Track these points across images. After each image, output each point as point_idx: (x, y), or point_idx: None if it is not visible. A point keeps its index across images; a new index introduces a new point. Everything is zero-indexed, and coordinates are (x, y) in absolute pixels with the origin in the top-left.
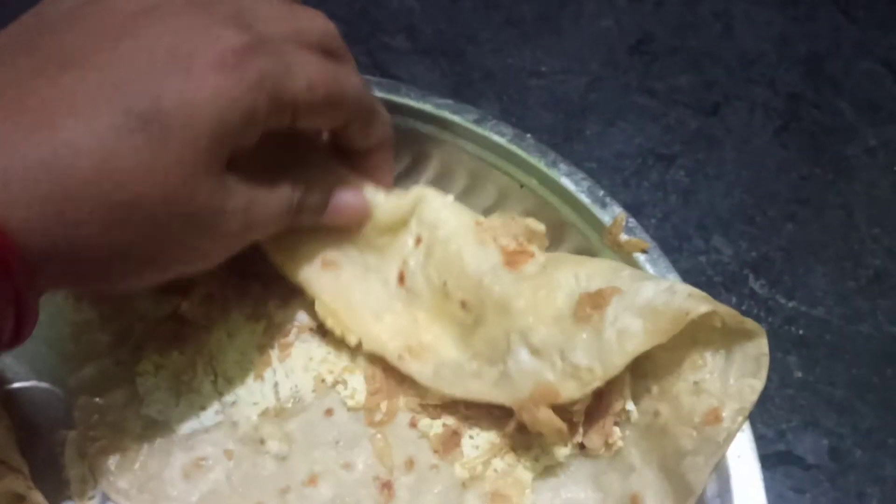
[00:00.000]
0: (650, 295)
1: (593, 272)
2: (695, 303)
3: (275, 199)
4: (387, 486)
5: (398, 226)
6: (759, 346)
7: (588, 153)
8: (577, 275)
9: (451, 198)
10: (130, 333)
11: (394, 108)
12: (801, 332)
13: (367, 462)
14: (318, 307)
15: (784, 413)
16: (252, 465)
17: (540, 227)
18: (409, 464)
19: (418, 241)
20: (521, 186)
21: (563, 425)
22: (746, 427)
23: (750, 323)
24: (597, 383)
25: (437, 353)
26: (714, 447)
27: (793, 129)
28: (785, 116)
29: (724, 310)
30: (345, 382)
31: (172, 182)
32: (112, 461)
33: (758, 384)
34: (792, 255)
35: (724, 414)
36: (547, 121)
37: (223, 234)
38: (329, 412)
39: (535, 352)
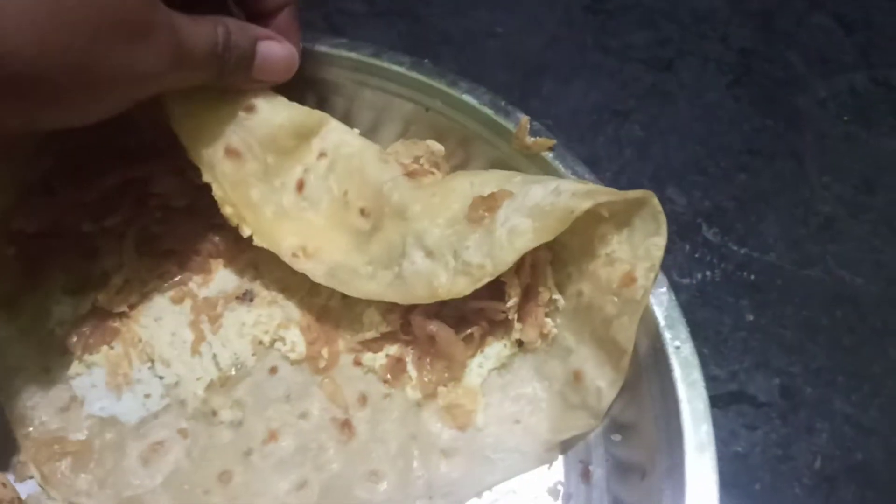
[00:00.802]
0: (538, 197)
1: (487, 179)
2: (578, 201)
3: (202, 32)
4: (345, 425)
5: (303, 136)
6: (653, 208)
7: (545, 110)
8: (472, 182)
9: (356, 131)
10: (52, 340)
11: None
12: (752, 277)
13: (322, 407)
14: (216, 191)
15: (736, 355)
16: (209, 438)
17: (439, 147)
18: (362, 399)
19: (321, 154)
20: (427, 110)
21: (450, 331)
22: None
23: (635, 192)
24: (487, 279)
25: (332, 256)
26: (634, 305)
27: (744, 82)
28: (737, 70)
29: (606, 198)
30: (282, 339)
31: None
32: (65, 466)
33: (661, 240)
34: (744, 203)
35: (637, 274)
36: (504, 80)
37: (157, 50)
38: (273, 370)
39: (428, 253)
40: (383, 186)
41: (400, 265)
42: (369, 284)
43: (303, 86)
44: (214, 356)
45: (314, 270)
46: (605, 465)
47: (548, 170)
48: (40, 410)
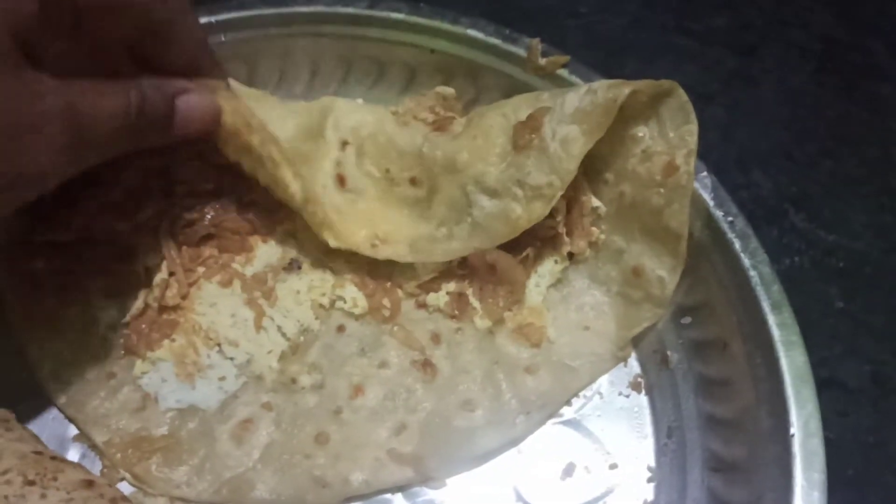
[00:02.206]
0: (576, 102)
1: (518, 105)
2: (616, 90)
3: (107, 103)
4: (426, 364)
5: (315, 133)
6: (679, 97)
7: None
8: (504, 114)
9: (359, 101)
10: (108, 345)
11: (284, 20)
12: (841, 264)
13: (398, 353)
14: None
15: (826, 341)
16: (294, 405)
17: (450, 91)
18: (435, 338)
19: (344, 144)
20: (432, 52)
21: (508, 256)
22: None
23: (663, 83)
24: (559, 193)
25: (405, 232)
26: (681, 191)
27: (828, 69)
28: (820, 57)
29: (641, 84)
30: (341, 297)
31: None
32: (156, 462)
33: (693, 127)
34: (830, 189)
35: (678, 162)
36: (585, 58)
37: (48, 143)
38: (341, 329)
39: (493, 193)
40: (422, 150)
41: (471, 214)
42: (452, 244)
43: (299, 49)
44: (279, 328)
45: (397, 253)
46: (680, 348)
47: (565, 86)
48: (115, 416)
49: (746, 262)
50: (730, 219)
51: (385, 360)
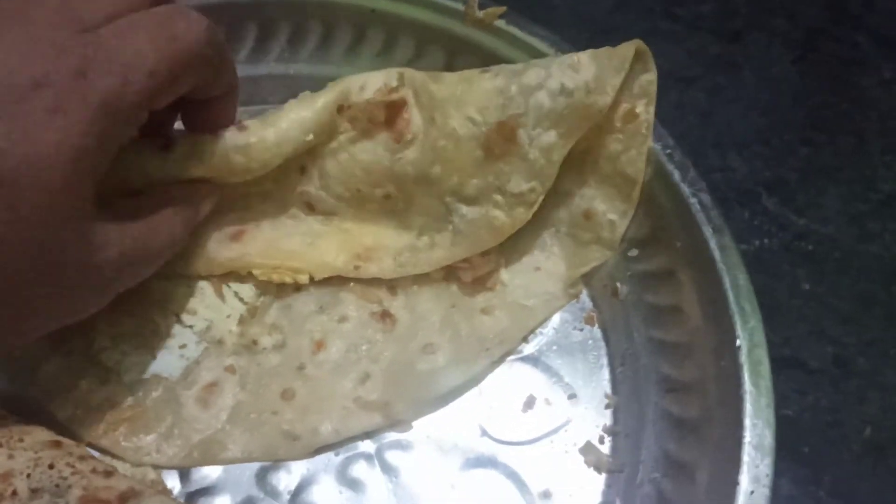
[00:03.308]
0: (547, 103)
1: (481, 105)
2: (595, 97)
3: (158, 241)
4: (385, 315)
5: (271, 167)
6: (635, 46)
7: None
8: (469, 117)
9: (298, 114)
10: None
11: None
12: (810, 247)
13: (357, 307)
14: (259, 275)
15: (791, 321)
16: (257, 366)
17: (388, 82)
18: (392, 290)
19: (302, 170)
20: (372, 11)
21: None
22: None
23: (628, 47)
24: (541, 197)
25: (387, 247)
26: (640, 138)
27: (811, 59)
28: (804, 47)
29: (615, 79)
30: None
31: (34, 240)
32: (122, 432)
33: (652, 76)
34: (805, 176)
35: (637, 110)
36: (570, 38)
37: (92, 290)
38: (298, 288)
39: (473, 201)
40: (392, 167)
41: (451, 222)
42: (435, 253)
43: (243, 16)
44: (236, 293)
45: (382, 270)
46: (629, 281)
47: (506, 38)
48: (77, 393)
49: (686, 190)
50: (668, 151)
51: (344, 315)
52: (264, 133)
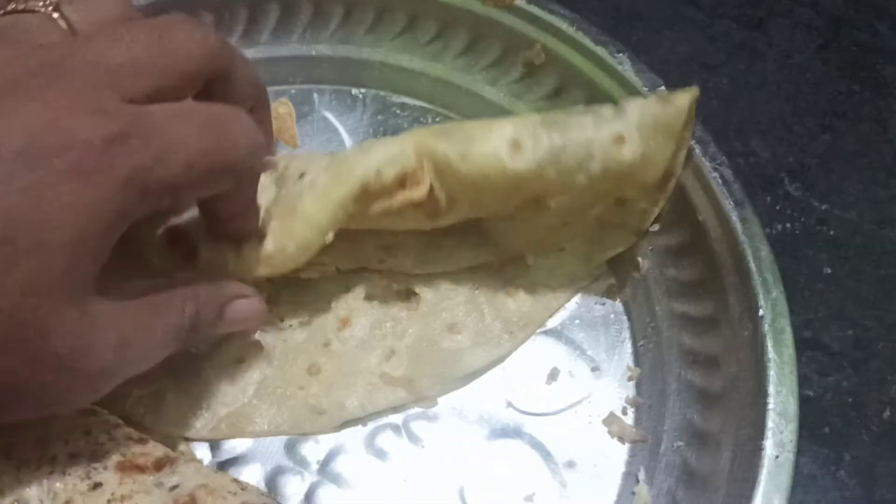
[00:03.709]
0: (588, 183)
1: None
2: (642, 175)
3: (161, 324)
4: (409, 293)
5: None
6: (691, 98)
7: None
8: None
9: (316, 217)
10: None
11: None
12: (832, 232)
13: (383, 286)
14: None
15: (812, 304)
16: (283, 342)
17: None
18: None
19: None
20: None
21: None
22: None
23: (678, 99)
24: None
25: (412, 245)
26: (684, 143)
27: (833, 47)
28: (826, 35)
29: (663, 157)
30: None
31: (22, 316)
32: (150, 406)
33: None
34: (827, 162)
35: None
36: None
37: (89, 377)
38: None
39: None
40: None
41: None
42: (460, 253)
43: None
44: None
45: (404, 265)
46: (651, 255)
47: (527, 18)
48: None
49: (707, 164)
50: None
51: (370, 294)
52: (284, 243)
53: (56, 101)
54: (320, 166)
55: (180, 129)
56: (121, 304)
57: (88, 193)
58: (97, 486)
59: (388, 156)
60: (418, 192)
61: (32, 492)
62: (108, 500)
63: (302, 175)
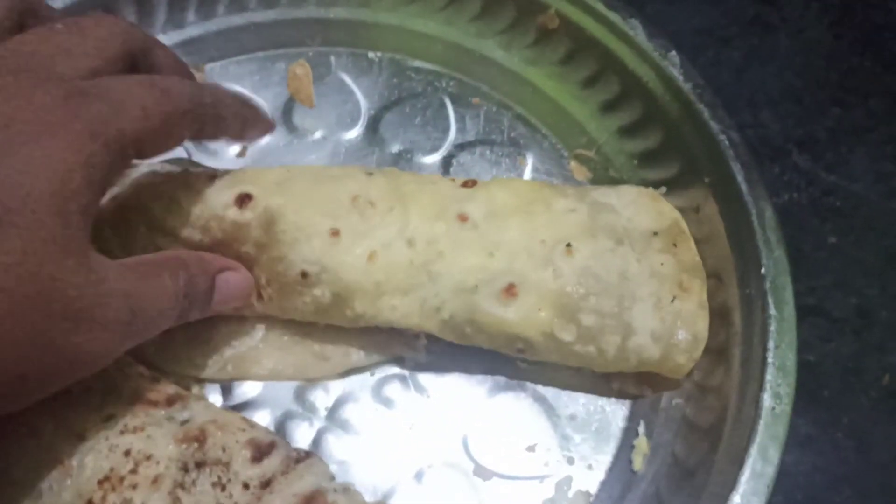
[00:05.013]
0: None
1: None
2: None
3: (159, 288)
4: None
5: None
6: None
7: None
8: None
9: None
10: None
11: None
12: (838, 203)
13: None
14: None
15: (816, 272)
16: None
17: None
18: None
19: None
20: None
21: None
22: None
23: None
24: None
25: None
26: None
27: (846, 23)
28: (840, 11)
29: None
30: None
31: (29, 273)
32: (159, 345)
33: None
34: (836, 135)
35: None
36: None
37: (107, 326)
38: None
39: None
40: None
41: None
42: None
43: None
44: None
45: None
46: None
47: None
48: None
49: (715, 127)
50: (698, 90)
51: None
52: None
53: (11, 85)
54: None
55: (129, 87)
56: (121, 264)
57: (57, 144)
58: (110, 417)
59: None
60: None
61: (47, 423)
62: (121, 431)
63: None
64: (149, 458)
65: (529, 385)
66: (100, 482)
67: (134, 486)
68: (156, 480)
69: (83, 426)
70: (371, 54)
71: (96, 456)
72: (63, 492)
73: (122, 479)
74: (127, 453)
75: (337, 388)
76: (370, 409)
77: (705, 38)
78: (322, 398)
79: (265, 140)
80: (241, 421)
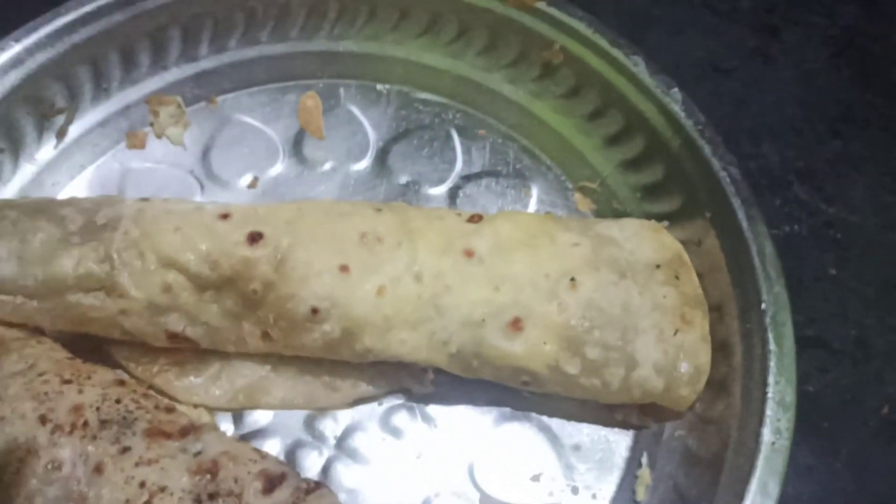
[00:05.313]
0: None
1: None
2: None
3: None
4: None
5: None
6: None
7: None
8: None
9: None
10: None
11: None
12: (838, 235)
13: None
14: None
15: (816, 303)
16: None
17: None
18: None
19: None
20: None
21: None
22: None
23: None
24: None
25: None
26: None
27: (846, 55)
28: (840, 44)
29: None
30: None
31: None
32: (173, 375)
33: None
34: (835, 166)
35: None
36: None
37: None
38: None
39: None
40: None
41: None
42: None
43: None
44: None
45: None
46: None
47: (546, 20)
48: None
49: (717, 164)
50: (699, 127)
51: None
52: None
53: None
54: None
55: None
56: None
57: None
58: (126, 450)
59: None
60: None
61: (66, 454)
62: (136, 463)
63: None
64: (163, 489)
65: (534, 415)
66: None
67: None
68: None
69: (100, 459)
70: (379, 86)
71: (112, 488)
72: None
73: None
74: (142, 485)
75: (346, 417)
76: (378, 439)
77: (706, 70)
78: (331, 427)
79: (276, 171)
80: (253, 452)
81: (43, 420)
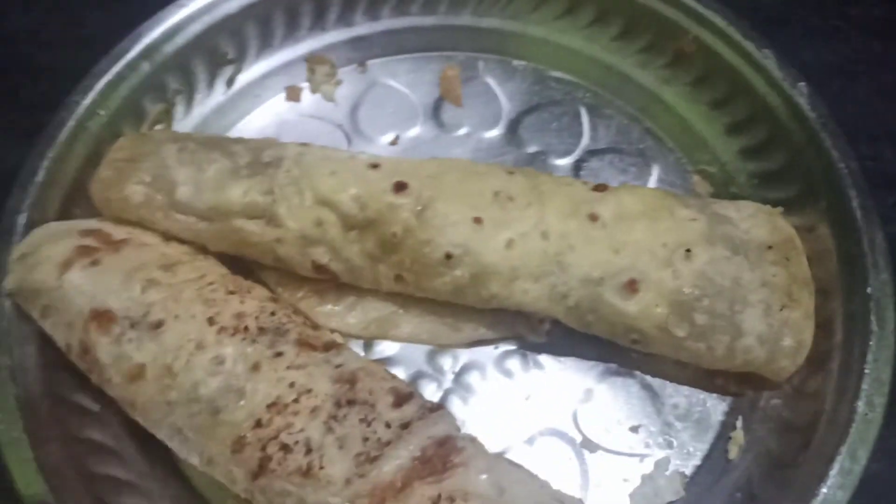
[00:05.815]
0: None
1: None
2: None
3: None
4: None
5: None
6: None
7: None
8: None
9: None
10: None
11: None
12: None
13: None
14: None
15: None
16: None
17: None
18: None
19: None
20: None
21: None
22: None
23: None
24: None
25: None
26: None
27: None
28: None
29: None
30: None
31: None
32: (315, 301)
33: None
34: None
35: None
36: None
37: None
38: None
39: None
40: None
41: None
42: None
43: None
44: None
45: None
46: None
47: (681, 8)
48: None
49: (836, 155)
50: (822, 120)
51: None
52: None
53: None
54: None
55: None
56: None
57: None
58: (279, 354)
59: None
60: None
61: (229, 351)
62: (288, 367)
63: None
64: (309, 391)
65: (639, 374)
66: (268, 406)
67: (296, 413)
68: (314, 410)
69: (258, 359)
70: (516, 62)
71: (266, 384)
72: (237, 410)
73: (286, 405)
74: (291, 385)
75: (464, 355)
76: (492, 378)
77: (833, 73)
78: (450, 363)
79: (415, 132)
80: (385, 372)
81: (210, 321)
